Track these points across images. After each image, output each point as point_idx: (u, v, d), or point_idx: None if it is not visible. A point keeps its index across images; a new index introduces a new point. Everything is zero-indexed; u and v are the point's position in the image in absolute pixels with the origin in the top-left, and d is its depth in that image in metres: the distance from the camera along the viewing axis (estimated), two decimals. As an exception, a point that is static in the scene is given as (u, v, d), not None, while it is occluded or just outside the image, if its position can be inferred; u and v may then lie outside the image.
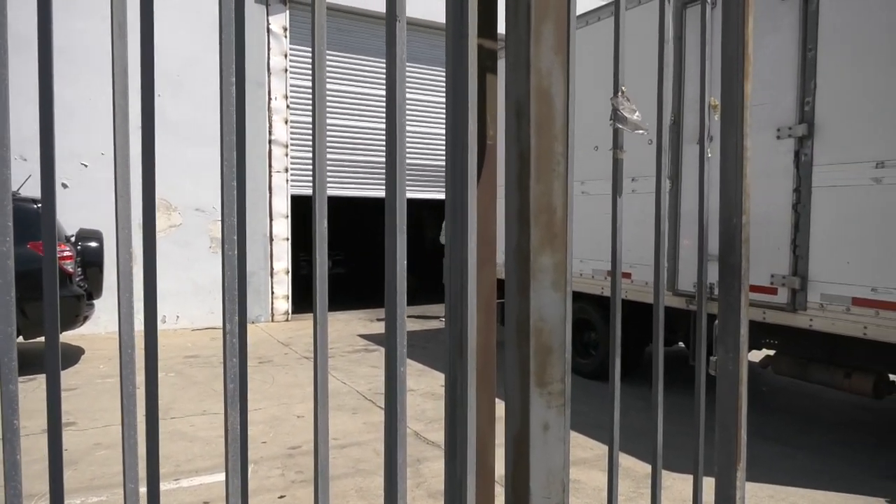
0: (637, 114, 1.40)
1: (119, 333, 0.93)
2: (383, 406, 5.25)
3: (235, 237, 0.92)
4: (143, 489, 4.11)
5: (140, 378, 7.03)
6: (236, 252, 0.94)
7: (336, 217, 15.68)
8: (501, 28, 1.50)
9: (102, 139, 9.09)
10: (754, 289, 4.69)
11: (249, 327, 10.42)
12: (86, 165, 9.10)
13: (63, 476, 0.96)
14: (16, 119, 8.59)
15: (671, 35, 1.50)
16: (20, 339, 6.87)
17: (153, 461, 1.04)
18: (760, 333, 5.02)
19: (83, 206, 8.70)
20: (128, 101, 0.95)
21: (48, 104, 0.89)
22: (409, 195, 11.72)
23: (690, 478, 4.10)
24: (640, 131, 1.42)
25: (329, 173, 10.93)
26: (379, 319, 11.21)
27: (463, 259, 1.18)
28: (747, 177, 1.62)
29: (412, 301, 12.41)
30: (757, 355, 5.62)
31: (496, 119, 1.44)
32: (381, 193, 11.77)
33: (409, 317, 11.26)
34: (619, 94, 1.40)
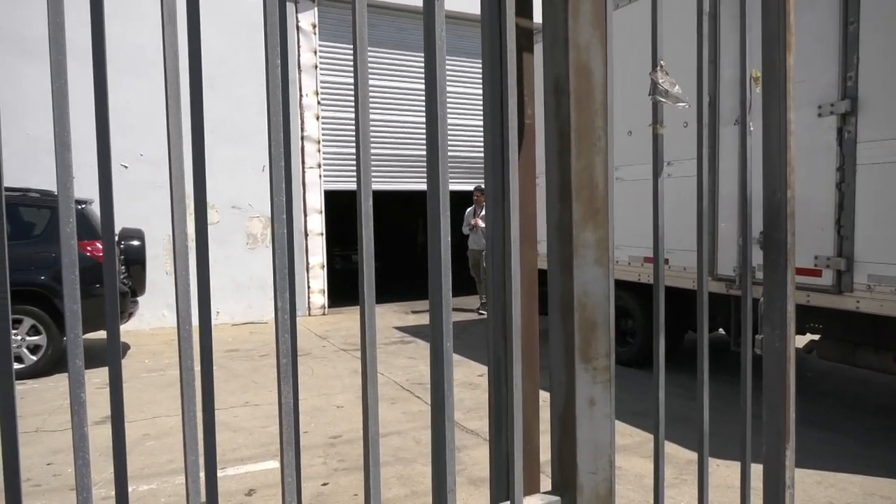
0: (677, 87, 1.38)
1: (178, 330, 0.96)
2: (421, 396, 5.30)
3: (284, 216, 0.94)
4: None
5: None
6: (286, 231, 0.96)
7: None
8: (536, 10, 1.50)
9: (139, 141, 9.31)
10: (798, 271, 4.58)
11: (287, 321, 10.57)
12: (125, 167, 9.33)
13: (126, 464, 1.00)
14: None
15: (707, 7, 1.47)
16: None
17: (210, 451, 1.07)
18: (805, 317, 4.91)
19: (124, 206, 8.92)
20: (180, 104, 0.97)
21: (104, 109, 0.92)
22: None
23: (734, 464, 4.05)
24: (682, 104, 1.40)
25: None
26: (414, 311, 11.28)
27: (506, 238, 1.18)
28: (792, 150, 1.58)
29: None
30: (801, 340, 5.50)
31: (534, 98, 1.44)
32: (410, 186, 11.85)
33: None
34: (658, 68, 1.39)
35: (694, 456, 4.26)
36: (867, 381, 6.16)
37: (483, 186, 10.66)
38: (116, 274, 1.00)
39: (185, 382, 0.94)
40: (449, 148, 10.31)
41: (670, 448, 4.36)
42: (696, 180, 1.60)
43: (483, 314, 10.64)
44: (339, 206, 13.18)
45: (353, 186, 11.28)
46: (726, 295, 5.43)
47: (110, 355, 0.98)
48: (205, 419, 1.08)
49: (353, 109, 11.39)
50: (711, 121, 5.32)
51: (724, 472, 3.96)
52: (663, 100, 1.46)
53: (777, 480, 1.69)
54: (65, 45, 0.85)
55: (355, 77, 1.05)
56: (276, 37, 0.93)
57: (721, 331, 6.34)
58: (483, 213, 10.54)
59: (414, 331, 9.34)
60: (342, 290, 12.63)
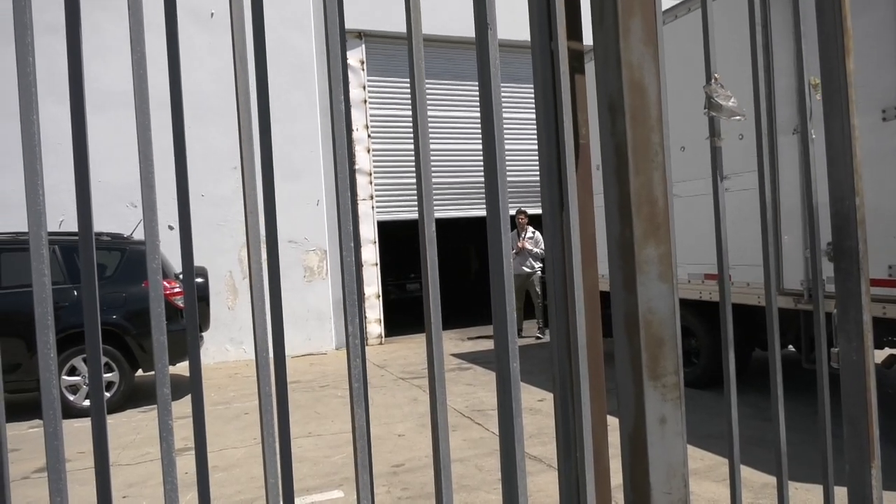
0: (732, 100, 1.37)
1: (256, 367, 1.01)
2: (482, 423, 5.26)
3: (352, 244, 0.97)
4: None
5: (253, 403, 7.28)
6: (353, 258, 0.99)
7: (412, 241, 15.92)
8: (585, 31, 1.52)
9: (200, 181, 9.70)
10: (871, 282, 4.38)
11: (344, 352, 10.72)
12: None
13: (209, 490, 1.04)
14: (126, 169, 9.35)
15: (761, 13, 1.44)
16: (140, 371, 7.40)
17: (287, 481, 1.10)
18: (881, 331, 4.67)
19: (188, 245, 9.26)
20: (253, 146, 1.03)
21: (182, 155, 0.99)
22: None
23: (812, 487, 3.85)
24: (738, 117, 1.38)
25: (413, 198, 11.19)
26: (470, 338, 11.25)
27: (567, 257, 1.19)
28: (857, 156, 1.54)
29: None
30: (879, 355, 5.22)
31: (587, 118, 1.45)
32: (462, 213, 11.92)
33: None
34: (713, 81, 1.38)
35: (770, 479, 4.07)
36: (955, 396, 5.78)
37: (524, 209, 10.67)
38: (196, 310, 1.06)
39: (263, 408, 0.97)
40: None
41: (745, 471, 4.18)
42: (754, 193, 1.58)
43: (540, 337, 10.53)
44: (393, 237, 13.37)
45: (405, 216, 11.44)
46: (794, 310, 5.23)
47: (193, 385, 1.02)
48: (281, 446, 1.12)
49: (402, 141, 11.62)
50: (769, 131, 5.19)
51: (803, 496, 3.78)
52: (717, 114, 1.45)
53: (863, 500, 1.61)
54: (148, 95, 0.92)
55: (413, 108, 1.09)
56: (340, 73, 0.97)
57: (791, 347, 6.09)
58: (527, 235, 10.52)
59: (471, 357, 9.31)
60: (397, 320, 12.72)
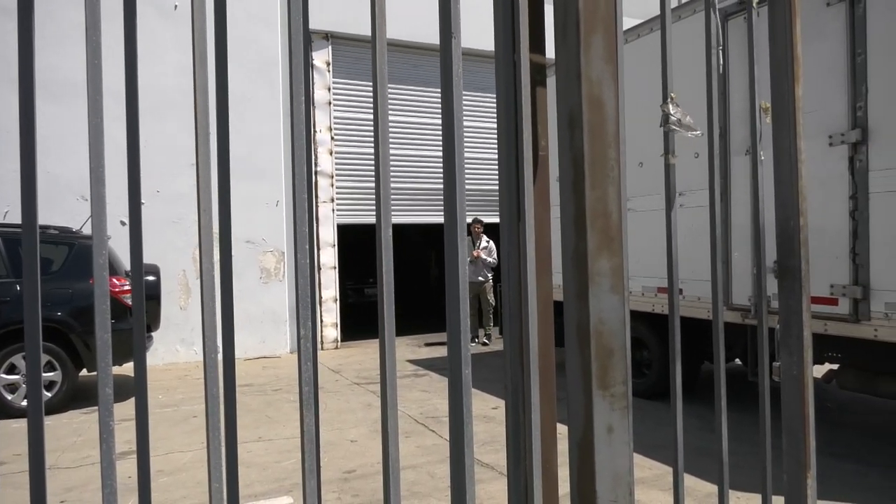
0: (689, 117, 1.41)
1: (204, 368, 0.99)
2: (435, 430, 5.25)
3: (307, 246, 0.97)
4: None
5: (202, 406, 7.12)
6: (308, 260, 0.98)
7: (371, 245, 15.85)
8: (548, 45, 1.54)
9: (156, 178, 9.47)
10: (814, 300, 4.55)
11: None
12: (143, 203, 9.48)
13: (150, 494, 1.01)
14: (79, 162, 9.06)
15: (716, 40, 1.49)
16: (84, 371, 7.15)
17: (233, 486, 1.08)
18: (822, 346, 4.85)
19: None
20: (210, 143, 1.01)
21: (135, 149, 0.97)
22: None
23: (753, 496, 3.97)
24: (694, 133, 1.43)
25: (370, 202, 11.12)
26: (427, 344, 11.24)
27: (523, 267, 1.20)
28: (803, 178, 1.60)
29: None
30: (819, 370, 5.42)
31: (547, 130, 1.47)
32: (420, 219, 11.92)
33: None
34: (669, 100, 1.42)
35: (714, 488, 4.18)
36: (890, 410, 6.04)
37: (480, 218, 10.75)
38: (143, 308, 1.03)
39: (210, 410, 0.96)
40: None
41: (689, 480, 4.28)
42: (708, 210, 1.62)
43: (486, 343, 10.64)
44: (352, 240, 13.26)
45: (366, 220, 11.38)
46: (742, 324, 5.39)
47: (137, 384, 1.00)
48: (227, 450, 1.10)
49: (366, 145, 11.56)
50: (723, 151, 5.35)
51: (745, 506, 3.88)
52: (677, 129, 1.49)
53: (800, 511, 1.67)
54: (101, 85, 0.89)
55: (375, 112, 1.09)
56: (302, 74, 0.97)
57: (738, 361, 6.27)
58: (482, 244, 10.60)
59: (427, 364, 9.30)
60: (354, 324, 12.63)
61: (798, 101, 1.62)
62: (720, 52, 1.54)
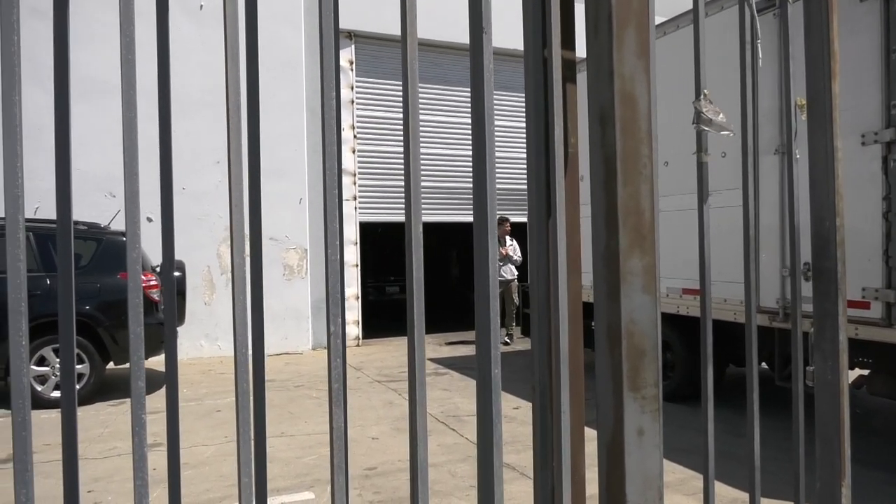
0: (721, 115, 1.38)
1: (235, 364, 0.99)
2: (456, 429, 5.24)
3: (338, 242, 0.96)
4: (228, 507, 4.19)
5: (226, 401, 7.19)
6: (338, 256, 0.98)
7: (399, 243, 15.91)
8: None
9: (181, 175, 9.57)
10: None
11: (320, 352, 10.65)
12: (169, 199, 9.61)
13: (180, 488, 1.01)
14: (107, 158, 9.20)
15: (750, 33, 1.46)
16: (111, 364, 7.27)
17: (261, 480, 1.08)
18: (854, 351, 4.75)
19: (167, 238, 9.15)
20: (241, 142, 1.01)
21: (167, 144, 0.97)
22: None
23: (781, 503, 3.89)
24: (726, 133, 1.40)
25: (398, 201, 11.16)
26: (448, 343, 11.24)
27: (552, 266, 1.19)
28: (839, 177, 1.56)
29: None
30: (850, 375, 5.31)
31: (577, 127, 1.45)
32: (444, 218, 11.91)
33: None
34: (702, 96, 1.39)
35: (739, 494, 4.11)
36: (921, 418, 5.90)
37: (507, 217, 10.70)
38: (174, 303, 1.04)
39: (240, 406, 0.96)
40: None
41: (717, 486, 4.21)
42: (734, 211, 1.59)
43: (507, 342, 10.59)
44: (374, 239, 13.31)
45: (388, 218, 11.40)
46: (769, 327, 5.30)
47: (168, 379, 1.00)
48: (256, 445, 1.10)
49: (388, 143, 11.57)
50: (754, 149, 5.26)
51: (771, 512, 3.82)
52: (707, 129, 1.46)
53: (833, 519, 1.62)
54: (135, 80, 0.90)
55: (405, 108, 1.08)
56: (332, 72, 0.96)
57: (764, 364, 6.17)
58: (509, 243, 10.55)
59: (448, 362, 9.30)
60: (376, 322, 12.68)
61: (835, 98, 1.58)
62: (755, 46, 1.51)
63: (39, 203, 8.70)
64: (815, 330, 1.63)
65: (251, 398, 0.95)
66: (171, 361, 1.00)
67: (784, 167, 4.91)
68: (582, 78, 1.72)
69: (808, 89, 1.61)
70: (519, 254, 10.58)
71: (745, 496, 3.76)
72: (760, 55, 1.48)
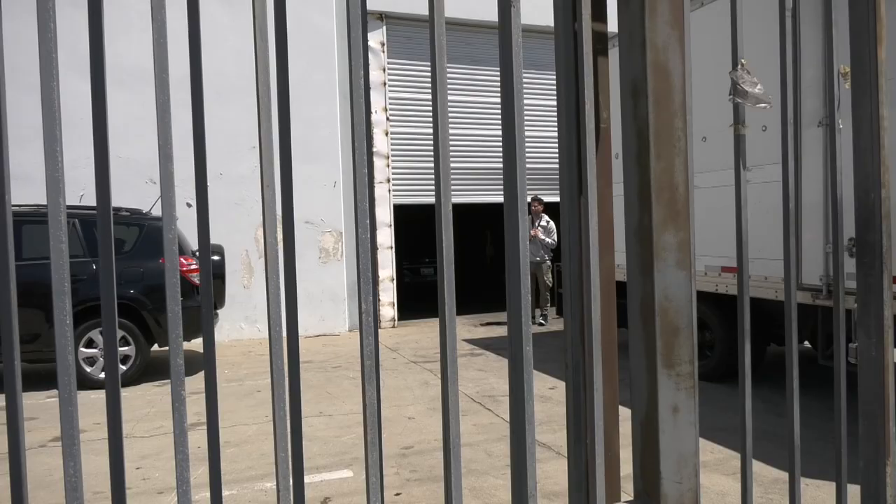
0: (759, 86, 1.34)
1: (269, 344, 1.01)
2: (492, 409, 5.27)
3: (368, 221, 0.97)
4: (269, 484, 4.30)
5: (266, 381, 7.32)
6: (368, 235, 0.99)
7: (427, 225, 15.92)
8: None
9: (219, 161, 9.73)
10: (893, 278, 4.31)
11: (356, 334, 10.78)
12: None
13: (220, 461, 1.04)
14: (147, 146, 9.40)
15: (789, 3, 1.41)
16: (155, 346, 7.49)
17: (298, 456, 1.10)
18: (900, 329, 4.60)
19: (205, 223, 9.34)
20: (272, 125, 1.02)
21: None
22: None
23: (824, 484, 3.83)
24: (763, 105, 1.35)
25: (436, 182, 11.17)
26: (483, 324, 11.26)
27: (584, 244, 1.18)
28: (885, 147, 1.50)
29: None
30: (894, 353, 5.16)
31: (609, 102, 1.43)
32: (476, 199, 11.88)
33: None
34: (739, 67, 1.35)
35: (780, 474, 4.05)
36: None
37: (540, 196, 10.60)
38: (211, 283, 1.06)
39: (275, 384, 0.98)
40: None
41: (755, 465, 4.16)
42: (774, 186, 1.55)
43: (542, 323, 10.54)
44: (409, 221, 13.37)
45: (421, 200, 11.42)
46: (812, 305, 5.17)
47: (206, 359, 1.03)
48: (291, 422, 1.12)
49: (421, 125, 11.56)
50: (795, 122, 5.10)
51: (813, 493, 3.75)
52: (742, 101, 1.42)
53: (877, 498, 1.59)
54: (167, 63, 0.91)
55: (433, 90, 1.07)
56: (360, 54, 0.96)
57: (807, 343, 6.03)
58: (540, 223, 10.45)
59: (484, 343, 9.32)
60: (411, 304, 12.77)
61: (882, 65, 1.52)
62: (797, 12, 1.45)
63: (84, 190, 8.96)
64: (859, 305, 1.58)
65: (286, 377, 0.97)
66: (209, 342, 1.03)
67: (827, 140, 4.75)
68: (614, 54, 1.69)
69: (852, 56, 1.55)
70: (554, 237, 10.47)
71: (787, 476, 3.71)
72: (797, 25, 1.43)
